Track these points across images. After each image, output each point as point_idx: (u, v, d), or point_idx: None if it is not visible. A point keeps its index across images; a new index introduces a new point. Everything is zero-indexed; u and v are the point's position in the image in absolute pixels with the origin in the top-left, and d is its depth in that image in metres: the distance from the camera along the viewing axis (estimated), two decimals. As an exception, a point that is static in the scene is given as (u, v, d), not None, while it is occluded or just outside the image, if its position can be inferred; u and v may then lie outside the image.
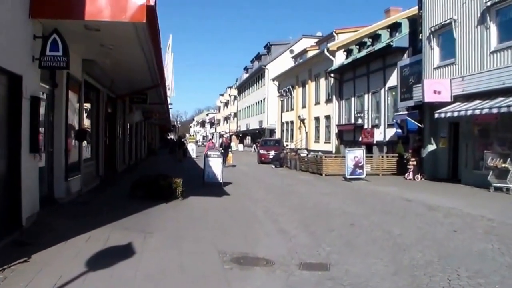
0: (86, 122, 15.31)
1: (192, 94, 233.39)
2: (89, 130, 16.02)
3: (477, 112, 16.24)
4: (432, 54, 20.88)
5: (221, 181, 17.43)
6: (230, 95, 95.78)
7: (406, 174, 22.13)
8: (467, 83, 18.00)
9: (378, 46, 28.44)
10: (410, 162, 22.08)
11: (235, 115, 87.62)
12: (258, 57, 70.19)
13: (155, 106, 29.01)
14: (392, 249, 7.95)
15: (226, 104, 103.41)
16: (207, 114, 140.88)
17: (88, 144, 15.56)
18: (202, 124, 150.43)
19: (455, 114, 17.42)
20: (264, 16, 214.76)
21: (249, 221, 10.51)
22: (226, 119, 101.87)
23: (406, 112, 23.80)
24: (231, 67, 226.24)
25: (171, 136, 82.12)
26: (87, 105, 15.46)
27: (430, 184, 19.85)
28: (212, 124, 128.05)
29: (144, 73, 15.13)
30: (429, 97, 19.05)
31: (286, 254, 7.47)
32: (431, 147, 21.70)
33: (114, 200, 12.57)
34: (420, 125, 22.10)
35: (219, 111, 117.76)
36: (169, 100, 48.38)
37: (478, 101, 17.07)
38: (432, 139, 21.65)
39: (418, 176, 21.54)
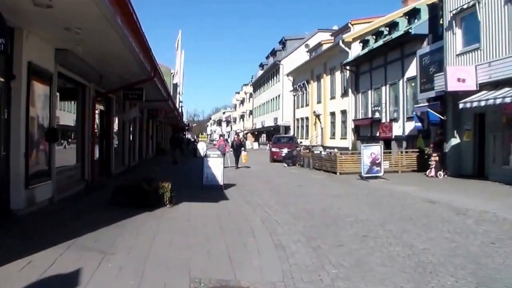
0: (67, 120, 13.82)
1: (209, 92, 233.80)
2: (74, 128, 14.56)
3: (508, 100, 14.35)
4: (454, 39, 19.01)
5: (221, 183, 15.84)
6: (245, 93, 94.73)
7: (428, 171, 20.34)
8: (494, 69, 16.12)
9: (396, 34, 26.50)
10: (432, 158, 20.27)
11: (251, 112, 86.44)
12: (273, 53, 68.75)
13: (159, 104, 27.44)
14: (416, 270, 6.25)
15: (242, 102, 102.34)
16: (224, 113, 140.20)
17: (68, 144, 14.06)
18: (219, 122, 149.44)
19: (482, 103, 15.55)
20: (280, 13, 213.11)
21: (243, 233, 8.84)
22: (242, 117, 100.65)
23: (427, 104, 21.96)
24: (248, 64, 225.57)
25: (188, 135, 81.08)
26: (70, 102, 13.97)
27: (454, 181, 18.03)
28: (228, 122, 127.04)
29: (131, 64, 13.55)
30: (453, 86, 17.21)
31: (278, 281, 5.85)
32: (455, 141, 19.87)
33: (89, 210, 10.99)
34: (442, 117, 20.26)
35: (235, 109, 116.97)
36: (178, 98, 47.37)
37: (507, 89, 15.19)
38: (455, 132, 19.84)
39: (441, 172, 19.73)
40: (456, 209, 11.37)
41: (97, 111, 18.24)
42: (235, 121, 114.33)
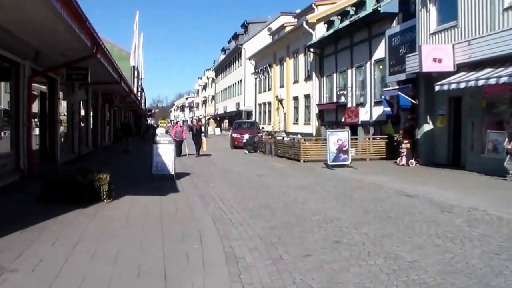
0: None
1: (173, 78, 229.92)
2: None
3: (492, 81, 12.89)
4: (428, 17, 17.52)
5: (172, 173, 14.03)
6: (208, 78, 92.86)
7: (398, 159, 18.94)
8: (474, 48, 14.66)
9: (363, 14, 24.92)
10: (403, 145, 18.86)
11: (213, 98, 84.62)
12: (235, 36, 66.91)
13: (111, 86, 25.31)
14: (407, 297, 4.65)
15: (205, 87, 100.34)
16: (187, 98, 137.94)
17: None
18: (182, 108, 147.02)
19: (462, 85, 14.03)
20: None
21: (188, 238, 7.11)
22: (204, 102, 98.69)
23: (397, 87, 20.55)
24: (212, 49, 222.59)
25: (152, 121, 78.92)
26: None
27: (428, 171, 16.68)
28: (191, 108, 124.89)
29: (65, 37, 11.56)
30: (428, 67, 15.71)
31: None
32: (427, 126, 18.52)
33: (12, 206, 9.20)
34: (414, 101, 18.89)
35: (197, 95, 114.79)
36: (137, 82, 45.06)
37: (489, 69, 13.77)
38: (428, 117, 18.48)
39: (413, 161, 18.39)
40: (438, 205, 9.87)
41: (36, 93, 16.29)
42: (197, 107, 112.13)
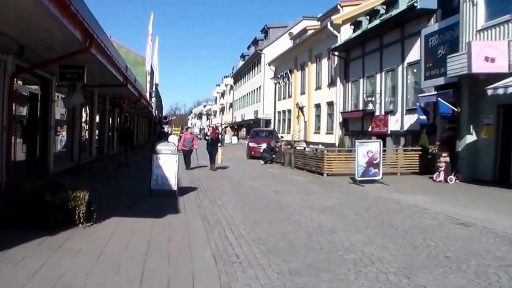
0: None
1: (191, 86, 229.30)
2: None
3: None
4: (475, 12, 15.25)
5: (175, 188, 11.86)
6: (226, 85, 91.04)
7: (435, 175, 16.62)
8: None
9: (396, 11, 22.53)
10: (441, 159, 16.55)
11: (231, 105, 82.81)
12: (255, 42, 64.90)
13: (116, 89, 23.29)
14: None
15: (223, 94, 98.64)
16: (204, 106, 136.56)
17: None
18: (200, 116, 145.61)
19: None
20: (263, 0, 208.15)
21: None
22: (222, 110, 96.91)
23: (435, 93, 18.20)
24: (231, 55, 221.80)
25: (168, 129, 77.68)
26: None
27: (472, 189, 14.38)
28: (208, 116, 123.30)
29: (48, 26, 9.58)
30: (479, 67, 13.41)
31: None
32: (470, 138, 16.16)
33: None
34: (456, 109, 16.50)
35: (215, 102, 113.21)
36: (150, 86, 43.08)
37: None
38: (471, 127, 16.06)
39: (452, 177, 16.06)
40: (508, 239, 7.56)
41: (26, 93, 14.32)
42: (215, 115, 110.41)
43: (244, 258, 6.45)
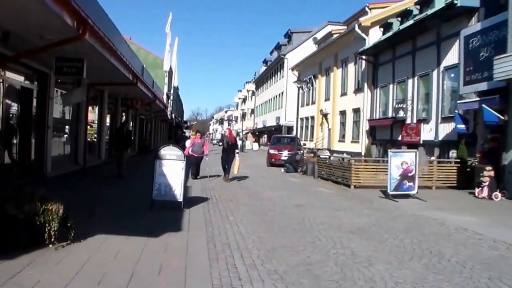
0: None
1: (213, 91, 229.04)
2: None
3: None
4: (527, 8, 13.43)
5: (180, 199, 10.22)
6: (248, 91, 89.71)
7: (477, 190, 14.77)
8: None
9: (432, 11, 20.61)
10: (485, 173, 14.66)
11: (252, 111, 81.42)
12: (278, 47, 63.56)
13: (130, 90, 21.95)
14: None
15: (244, 100, 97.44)
16: (226, 112, 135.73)
17: None
18: (221, 122, 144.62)
19: None
20: (286, 6, 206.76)
21: None
22: (243, 116, 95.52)
23: (477, 99, 16.32)
24: (254, 61, 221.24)
25: (189, 133, 76.60)
26: None
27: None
28: (230, 121, 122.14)
29: (36, 10, 8.13)
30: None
31: None
32: (519, 150, 14.26)
33: None
34: (502, 117, 14.63)
35: (237, 108, 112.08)
36: (167, 89, 41.57)
37: None
38: (520, 138, 14.21)
39: (498, 193, 14.24)
40: None
41: (18, 87, 12.98)
42: (236, 120, 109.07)
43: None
